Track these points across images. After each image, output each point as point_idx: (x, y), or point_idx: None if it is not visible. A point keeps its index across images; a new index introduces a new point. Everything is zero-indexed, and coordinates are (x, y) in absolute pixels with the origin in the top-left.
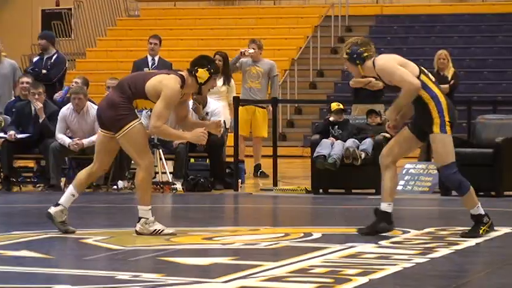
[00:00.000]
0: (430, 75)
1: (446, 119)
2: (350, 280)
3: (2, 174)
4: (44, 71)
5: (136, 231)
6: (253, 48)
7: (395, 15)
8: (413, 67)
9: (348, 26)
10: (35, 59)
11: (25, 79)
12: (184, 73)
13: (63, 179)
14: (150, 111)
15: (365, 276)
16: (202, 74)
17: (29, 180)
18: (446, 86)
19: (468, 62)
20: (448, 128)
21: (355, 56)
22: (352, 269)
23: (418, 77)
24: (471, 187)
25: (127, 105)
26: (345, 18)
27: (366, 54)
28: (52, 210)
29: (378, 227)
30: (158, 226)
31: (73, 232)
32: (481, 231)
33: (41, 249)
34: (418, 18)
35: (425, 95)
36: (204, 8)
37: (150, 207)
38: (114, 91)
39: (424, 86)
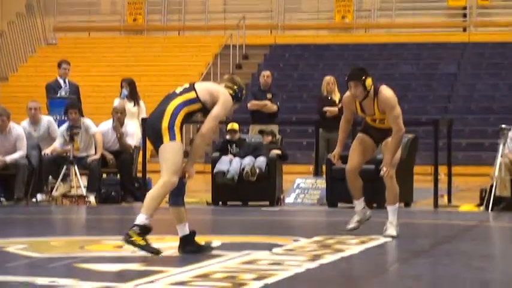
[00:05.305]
0: None
1: None
2: (246, 284)
3: None
4: None
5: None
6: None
7: (287, 45)
8: None
9: (245, 54)
10: None
11: None
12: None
13: None
14: None
15: (260, 280)
16: None
17: None
18: (335, 108)
19: None
20: None
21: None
22: (248, 274)
23: None
24: None
25: None
26: (242, 47)
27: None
28: None
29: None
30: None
31: None
32: None
33: None
34: (307, 47)
35: None
36: (114, 37)
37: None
38: None
39: None
